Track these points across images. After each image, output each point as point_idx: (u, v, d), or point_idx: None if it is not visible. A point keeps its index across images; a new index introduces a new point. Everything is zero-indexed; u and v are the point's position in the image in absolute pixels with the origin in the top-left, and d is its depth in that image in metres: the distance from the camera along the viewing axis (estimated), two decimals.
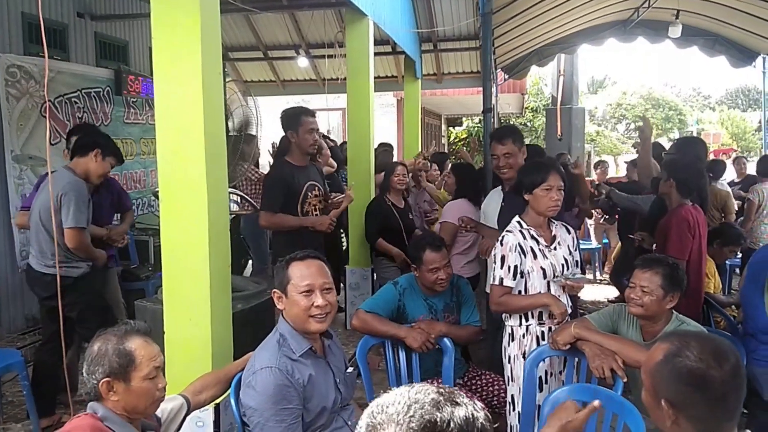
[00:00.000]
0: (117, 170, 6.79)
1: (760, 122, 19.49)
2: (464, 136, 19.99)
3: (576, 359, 2.79)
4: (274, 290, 2.25)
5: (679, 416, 1.40)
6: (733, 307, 4.25)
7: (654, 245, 3.79)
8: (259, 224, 4.07)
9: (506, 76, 11.01)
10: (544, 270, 2.83)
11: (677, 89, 44.74)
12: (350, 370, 2.43)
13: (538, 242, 2.86)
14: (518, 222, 2.90)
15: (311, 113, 4.04)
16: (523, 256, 2.83)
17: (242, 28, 9.06)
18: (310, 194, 4.02)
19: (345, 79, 5.50)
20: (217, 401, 2.53)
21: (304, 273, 2.20)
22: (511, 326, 2.91)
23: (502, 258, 2.84)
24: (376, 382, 3.28)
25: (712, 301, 3.87)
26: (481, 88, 5.37)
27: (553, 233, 2.92)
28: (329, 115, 15.69)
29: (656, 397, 1.45)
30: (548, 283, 2.84)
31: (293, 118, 3.96)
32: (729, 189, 6.61)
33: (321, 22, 8.22)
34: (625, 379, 2.55)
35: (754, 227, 6.23)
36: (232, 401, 2.27)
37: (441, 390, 0.95)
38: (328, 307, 2.20)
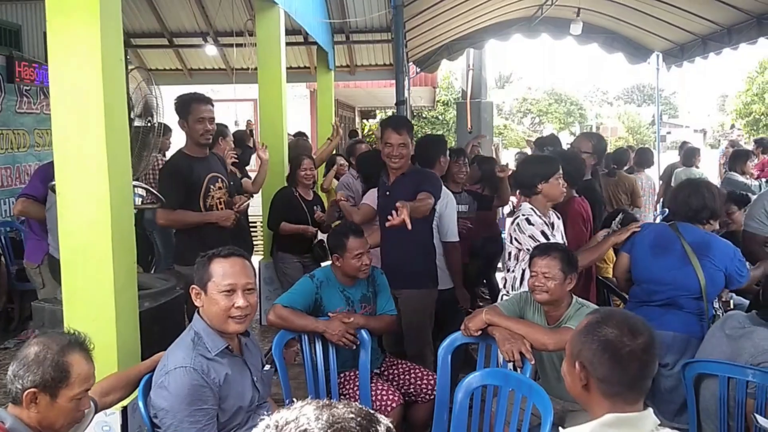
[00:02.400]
0: (9, 163, 6.39)
1: (653, 117, 20.85)
2: (377, 128, 20.13)
3: (486, 345, 2.88)
4: (193, 286, 2.17)
5: (590, 379, 1.53)
6: None
7: None
8: (157, 222, 3.89)
9: (418, 70, 11.16)
10: None
11: (578, 85, 47.09)
12: (267, 367, 2.40)
13: (546, 226, 3.23)
14: (531, 209, 3.26)
15: (204, 101, 3.74)
16: (544, 237, 3.18)
17: (145, 14, 8.66)
18: (212, 187, 3.80)
19: (255, 68, 5.39)
20: (124, 403, 2.43)
21: (227, 271, 2.13)
22: None
23: (542, 233, 3.17)
24: (292, 376, 3.26)
25: (611, 285, 4.09)
26: (393, 81, 5.43)
27: (551, 220, 3.30)
28: (238, 106, 15.32)
29: (573, 361, 1.57)
30: None
31: (184, 106, 3.69)
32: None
33: (229, 9, 7.99)
34: (533, 362, 2.67)
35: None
36: (140, 403, 2.18)
37: (357, 412, 0.91)
38: (248, 309, 2.14)
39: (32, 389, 1.68)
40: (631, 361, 1.50)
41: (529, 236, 3.18)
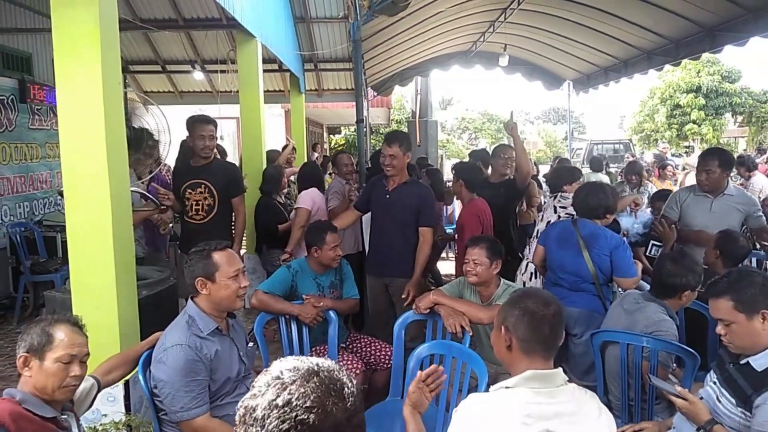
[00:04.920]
0: (23, 172, 6.18)
1: (566, 133, 21.39)
2: (342, 142, 20.04)
3: (433, 320, 2.91)
4: (199, 278, 2.13)
5: (513, 340, 1.59)
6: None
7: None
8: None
9: (375, 93, 11.19)
10: None
11: (506, 107, 47.74)
12: (251, 345, 2.39)
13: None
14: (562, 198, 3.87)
15: (206, 121, 3.84)
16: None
17: (142, 44, 8.42)
18: (190, 191, 3.89)
19: (237, 91, 5.30)
20: (126, 378, 2.36)
21: (229, 260, 2.16)
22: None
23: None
24: (272, 351, 3.23)
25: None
26: (354, 103, 5.41)
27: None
28: (222, 123, 15.03)
29: (499, 326, 1.64)
30: None
31: (189, 125, 3.88)
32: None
33: (214, 40, 7.84)
34: (471, 333, 2.71)
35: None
36: (140, 377, 2.13)
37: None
38: (247, 287, 2.21)
39: (24, 354, 1.66)
40: (544, 323, 1.57)
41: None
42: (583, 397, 1.55)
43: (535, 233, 3.99)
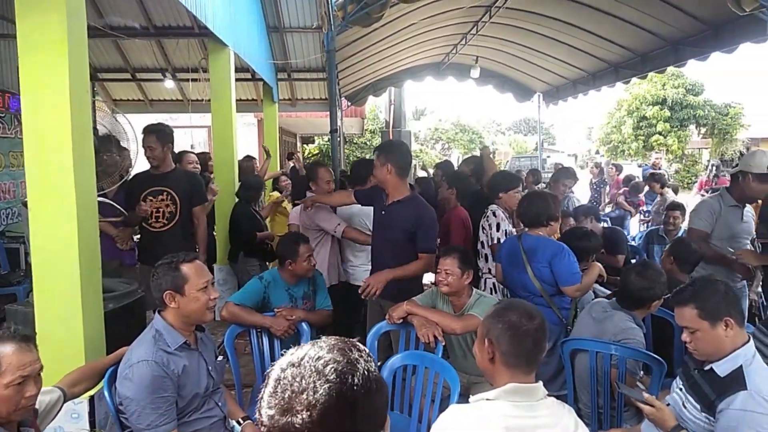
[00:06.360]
0: None
1: (536, 144, 21.78)
2: (316, 151, 19.97)
3: (406, 330, 2.91)
4: (167, 291, 2.07)
5: (496, 353, 1.61)
6: None
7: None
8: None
9: (349, 103, 11.19)
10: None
11: (478, 118, 48.39)
12: (220, 358, 2.34)
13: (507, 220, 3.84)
14: (497, 206, 3.86)
15: (146, 131, 3.89)
16: (509, 226, 3.73)
17: (111, 52, 8.26)
18: (150, 198, 3.89)
19: (209, 100, 5.25)
20: (91, 393, 2.29)
21: (200, 272, 2.11)
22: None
23: (498, 225, 3.75)
24: (242, 364, 3.17)
25: None
26: (328, 112, 5.41)
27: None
28: (193, 132, 14.83)
29: (483, 339, 1.65)
30: None
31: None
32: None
33: (186, 49, 7.74)
34: (444, 342, 2.72)
35: None
36: (106, 393, 2.07)
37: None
38: (217, 299, 2.17)
39: None
40: (527, 337, 1.59)
41: (491, 223, 3.85)
42: (561, 411, 1.59)
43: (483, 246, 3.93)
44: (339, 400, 0.87)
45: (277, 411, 0.87)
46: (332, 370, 0.89)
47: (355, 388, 0.89)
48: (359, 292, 3.16)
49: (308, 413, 0.85)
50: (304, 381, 0.88)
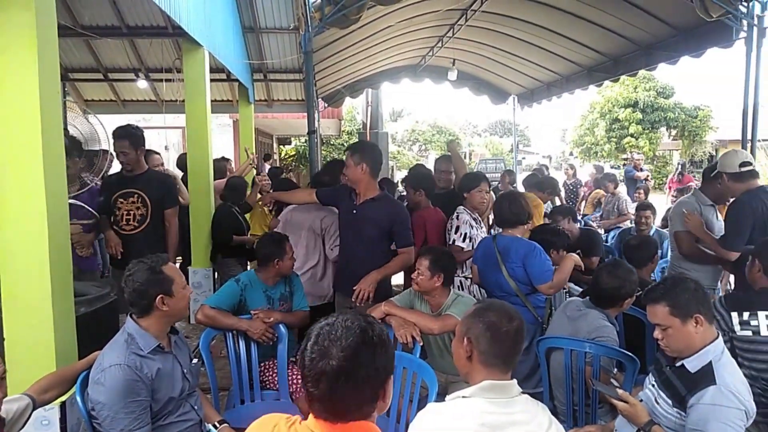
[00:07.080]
0: None
1: (512, 145, 22.06)
2: (293, 153, 19.85)
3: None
4: (159, 296, 2.04)
5: (474, 351, 1.63)
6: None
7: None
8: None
9: (326, 105, 11.16)
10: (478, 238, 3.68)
11: (455, 120, 48.69)
12: (195, 361, 2.31)
13: (475, 221, 3.80)
14: (463, 208, 3.81)
15: (116, 136, 3.85)
16: (471, 228, 3.71)
17: (82, 51, 8.08)
18: (122, 200, 3.87)
19: (184, 101, 5.18)
20: (62, 399, 2.23)
21: (177, 270, 2.15)
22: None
23: (457, 228, 3.71)
24: (218, 367, 3.14)
25: None
26: (305, 114, 5.39)
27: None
28: (167, 133, 14.59)
29: (462, 338, 1.66)
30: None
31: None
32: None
33: (159, 49, 7.62)
34: (422, 343, 2.73)
35: None
36: (78, 398, 2.02)
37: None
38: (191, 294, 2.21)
39: None
40: (507, 338, 1.62)
41: (450, 225, 3.85)
42: (535, 409, 1.61)
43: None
44: (364, 345, 1.20)
45: (317, 354, 1.19)
46: (357, 325, 1.22)
47: (374, 338, 1.22)
48: (352, 299, 3.20)
49: (342, 354, 1.18)
50: (338, 332, 1.21)
